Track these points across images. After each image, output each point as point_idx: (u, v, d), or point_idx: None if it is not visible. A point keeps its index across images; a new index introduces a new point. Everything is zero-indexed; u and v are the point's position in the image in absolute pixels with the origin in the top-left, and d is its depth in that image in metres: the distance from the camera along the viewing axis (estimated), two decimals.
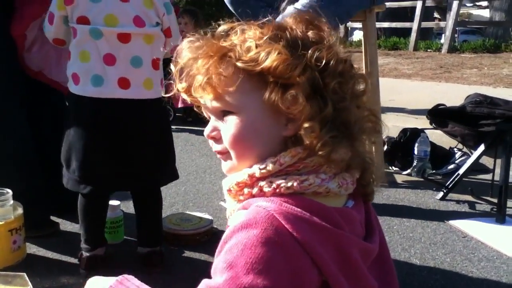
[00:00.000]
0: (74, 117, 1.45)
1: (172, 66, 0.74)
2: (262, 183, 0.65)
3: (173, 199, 2.14)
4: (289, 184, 0.64)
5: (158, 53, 1.48)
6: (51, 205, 1.82)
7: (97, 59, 1.39)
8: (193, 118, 3.66)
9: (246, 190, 0.67)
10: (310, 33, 0.68)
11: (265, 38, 0.65)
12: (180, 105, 3.91)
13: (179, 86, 0.72)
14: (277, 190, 0.64)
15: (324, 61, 0.64)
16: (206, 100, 0.70)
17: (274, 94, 0.64)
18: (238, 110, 0.67)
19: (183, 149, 2.98)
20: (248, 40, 0.65)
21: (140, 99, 1.43)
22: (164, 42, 1.51)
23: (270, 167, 0.65)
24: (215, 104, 0.69)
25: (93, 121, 1.41)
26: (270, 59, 0.62)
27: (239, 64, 0.64)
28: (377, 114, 0.74)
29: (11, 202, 1.55)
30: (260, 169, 0.66)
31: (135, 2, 1.41)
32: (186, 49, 0.72)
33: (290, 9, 1.96)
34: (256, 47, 0.64)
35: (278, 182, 0.64)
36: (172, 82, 0.74)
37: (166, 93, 0.78)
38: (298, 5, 1.96)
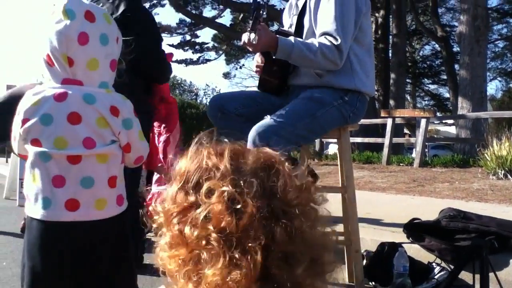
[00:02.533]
0: (26, 238, 1.41)
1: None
2: None
3: None
4: None
5: (116, 171, 1.46)
6: None
7: (46, 181, 1.37)
8: None
9: None
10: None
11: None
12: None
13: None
14: None
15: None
16: None
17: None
18: None
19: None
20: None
21: (90, 220, 1.38)
22: (121, 158, 1.49)
23: None
24: None
25: (40, 245, 1.36)
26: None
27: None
28: None
29: None
30: None
31: (87, 123, 1.40)
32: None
33: (267, 119, 2.07)
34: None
35: None
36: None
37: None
38: (274, 116, 2.07)
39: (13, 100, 3.81)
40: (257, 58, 2.40)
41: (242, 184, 0.64)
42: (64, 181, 1.37)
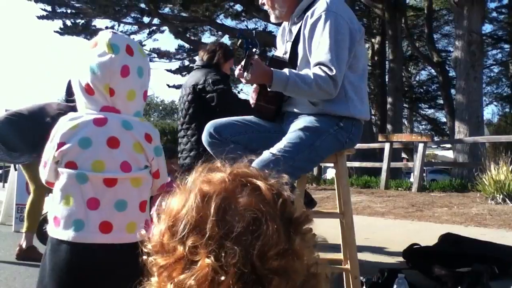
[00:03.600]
0: (50, 260, 1.40)
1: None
2: None
3: None
4: None
5: (146, 195, 1.51)
6: None
7: (80, 203, 1.40)
8: None
9: None
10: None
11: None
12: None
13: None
14: None
15: None
16: None
17: None
18: None
19: None
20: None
21: (121, 243, 1.40)
22: (151, 183, 1.55)
23: None
24: None
25: (71, 267, 1.37)
26: None
27: None
28: None
29: None
30: None
31: (124, 148, 1.46)
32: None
33: (266, 154, 2.07)
34: None
35: None
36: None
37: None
38: (273, 150, 2.07)
39: (35, 116, 3.83)
40: (252, 94, 2.42)
41: (224, 254, 0.64)
42: (98, 203, 1.40)
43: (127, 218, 1.43)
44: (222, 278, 0.64)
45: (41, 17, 15.31)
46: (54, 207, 1.44)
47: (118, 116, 1.48)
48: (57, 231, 1.40)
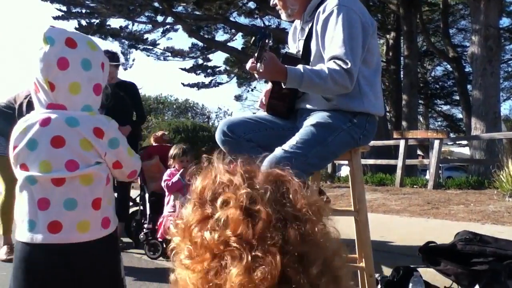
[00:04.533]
0: (14, 262, 1.44)
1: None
2: None
3: None
4: None
5: (100, 193, 1.47)
6: None
7: (32, 204, 1.41)
8: None
9: None
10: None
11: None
12: (159, 237, 3.92)
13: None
14: None
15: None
16: None
17: None
18: None
19: None
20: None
21: (73, 243, 1.40)
22: (107, 178, 1.51)
23: None
24: None
25: (23, 267, 1.39)
26: None
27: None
28: None
29: None
30: None
31: (70, 146, 1.43)
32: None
33: (278, 150, 2.06)
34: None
35: None
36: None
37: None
38: (285, 147, 2.06)
39: (8, 106, 3.98)
40: (262, 98, 2.41)
41: (255, 192, 0.69)
42: (48, 203, 1.40)
43: (77, 217, 1.42)
44: (254, 212, 0.67)
45: (56, 18, 15.49)
46: (16, 207, 1.48)
47: (63, 113, 1.45)
48: (17, 232, 1.43)
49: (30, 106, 3.67)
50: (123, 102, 4.41)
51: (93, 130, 1.45)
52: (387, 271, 2.75)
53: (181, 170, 4.16)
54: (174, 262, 0.74)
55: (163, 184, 4.19)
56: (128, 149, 1.58)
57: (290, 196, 0.71)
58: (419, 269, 2.63)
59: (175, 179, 4.12)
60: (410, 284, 2.46)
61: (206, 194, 0.72)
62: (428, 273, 2.79)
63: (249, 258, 0.64)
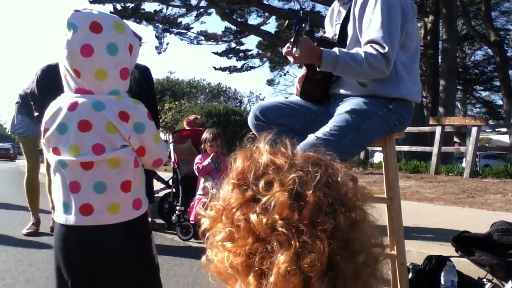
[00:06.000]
0: (54, 242, 1.51)
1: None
2: None
3: None
4: None
5: (129, 175, 1.48)
6: None
7: (65, 187, 1.45)
8: None
9: None
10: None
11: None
12: (191, 219, 3.99)
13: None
14: None
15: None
16: None
17: None
18: None
19: (200, 269, 2.91)
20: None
21: (105, 224, 1.43)
22: (135, 161, 1.51)
23: None
24: None
25: (60, 247, 1.45)
26: None
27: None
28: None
29: None
30: None
31: (97, 130, 1.44)
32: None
33: (310, 137, 2.03)
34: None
35: None
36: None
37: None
38: (319, 134, 2.03)
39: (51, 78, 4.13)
40: (297, 85, 2.38)
41: (305, 175, 0.66)
42: (79, 187, 1.44)
43: (107, 199, 1.44)
44: (301, 196, 0.64)
45: (93, 2, 15.73)
46: (52, 190, 1.53)
47: (90, 97, 1.45)
48: (55, 213, 1.48)
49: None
50: (141, 87, 4.47)
51: (118, 113, 1.45)
52: (419, 259, 2.71)
53: (212, 154, 4.21)
54: (209, 244, 0.71)
55: (194, 167, 4.27)
56: (155, 136, 1.55)
57: (338, 180, 0.69)
58: (452, 259, 2.58)
59: (205, 162, 4.18)
60: (442, 274, 2.42)
61: (248, 175, 0.69)
62: (461, 263, 2.73)
63: (297, 244, 0.62)
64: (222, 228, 0.69)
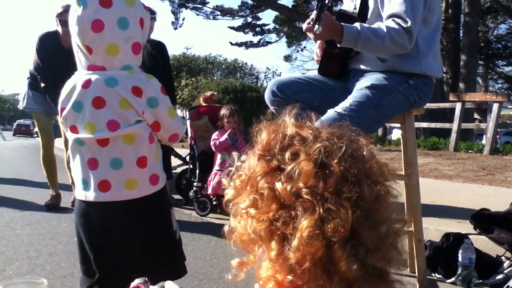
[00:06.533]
0: (75, 218, 1.55)
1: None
2: None
3: None
4: None
5: (144, 151, 1.48)
6: None
7: (83, 164, 1.47)
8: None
9: None
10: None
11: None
12: (210, 192, 4.03)
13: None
14: None
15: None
16: None
17: None
18: None
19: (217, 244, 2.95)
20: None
21: (122, 200, 1.45)
22: (150, 136, 1.50)
23: None
24: None
25: (81, 223, 1.49)
26: None
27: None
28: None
29: None
30: None
31: (111, 106, 1.43)
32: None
33: (330, 112, 2.01)
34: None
35: None
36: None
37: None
38: (338, 109, 2.01)
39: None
40: (316, 50, 2.34)
41: (328, 144, 0.68)
42: (97, 163, 1.46)
43: (124, 175, 1.45)
44: (326, 165, 0.66)
45: None
46: (71, 167, 1.57)
47: (103, 73, 1.44)
48: (76, 190, 1.52)
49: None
50: (155, 61, 4.45)
51: (131, 89, 1.44)
52: (437, 237, 2.70)
53: (229, 130, 4.21)
54: (232, 213, 0.73)
55: (211, 143, 4.28)
56: (170, 110, 1.53)
57: (364, 154, 0.70)
58: (470, 236, 2.57)
59: (222, 138, 4.20)
60: (460, 251, 2.41)
61: (273, 147, 0.71)
62: (480, 241, 2.71)
63: (321, 210, 0.63)
64: (246, 196, 0.71)
